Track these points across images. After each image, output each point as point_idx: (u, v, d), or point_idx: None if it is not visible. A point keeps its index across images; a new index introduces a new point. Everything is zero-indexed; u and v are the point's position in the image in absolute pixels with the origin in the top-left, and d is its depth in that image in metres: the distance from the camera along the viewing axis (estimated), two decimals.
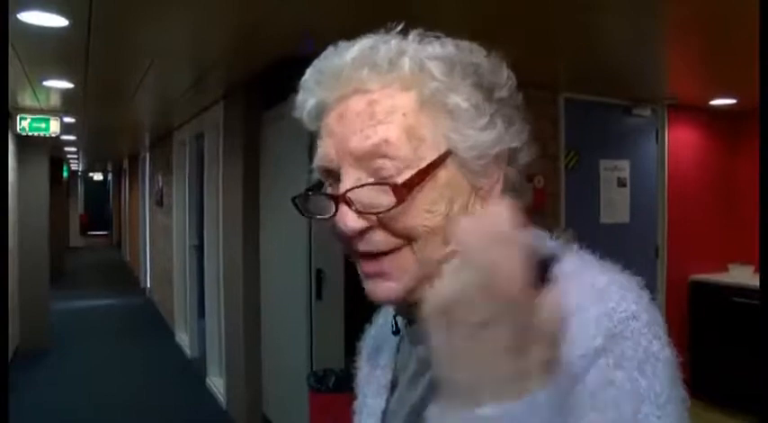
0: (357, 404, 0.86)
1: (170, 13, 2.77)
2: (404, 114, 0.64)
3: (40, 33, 2.96)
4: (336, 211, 0.65)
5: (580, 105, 4.53)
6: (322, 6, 2.66)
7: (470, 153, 0.65)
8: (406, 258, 0.65)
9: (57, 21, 2.79)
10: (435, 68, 0.65)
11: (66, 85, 4.37)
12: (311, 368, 3.21)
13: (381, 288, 0.67)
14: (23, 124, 5.64)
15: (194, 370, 5.97)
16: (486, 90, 0.67)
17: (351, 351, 3.43)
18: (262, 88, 3.89)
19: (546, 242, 0.70)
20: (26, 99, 5.09)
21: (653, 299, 0.65)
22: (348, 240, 0.66)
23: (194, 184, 6.40)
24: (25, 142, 6.31)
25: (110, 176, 20.80)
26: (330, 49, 0.69)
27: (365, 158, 0.64)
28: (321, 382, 3.00)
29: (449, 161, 0.64)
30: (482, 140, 0.65)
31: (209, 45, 3.36)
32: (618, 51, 3.47)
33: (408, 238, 0.64)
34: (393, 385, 0.79)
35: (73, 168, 16.73)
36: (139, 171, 10.84)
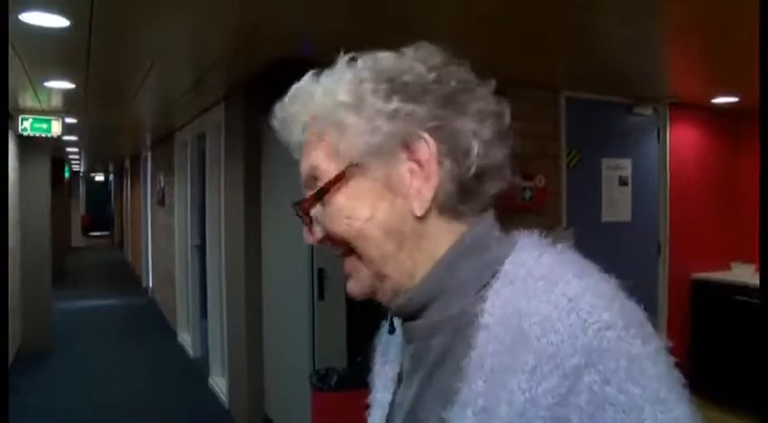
0: (370, 398, 0.89)
1: (170, 14, 2.77)
2: (322, 139, 0.73)
3: (41, 34, 2.96)
4: None
5: (581, 104, 4.53)
6: (320, 8, 2.66)
7: (367, 160, 0.70)
8: (353, 260, 0.74)
9: (58, 21, 2.79)
10: (339, 91, 0.72)
11: (67, 85, 4.37)
12: (313, 367, 3.21)
13: (348, 284, 0.77)
14: (25, 125, 5.64)
15: (196, 370, 5.97)
16: (388, 91, 0.70)
17: (353, 350, 3.44)
18: (262, 89, 3.90)
19: (516, 242, 0.72)
20: (28, 100, 5.09)
21: (633, 294, 0.66)
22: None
23: (196, 184, 6.40)
24: (27, 143, 6.31)
25: (111, 177, 20.82)
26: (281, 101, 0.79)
27: (309, 183, 0.75)
28: (323, 381, 3.00)
29: (358, 172, 0.71)
30: (367, 143, 0.70)
31: (210, 45, 3.36)
32: (619, 50, 3.47)
33: (345, 243, 0.73)
34: (400, 379, 0.82)
35: (74, 169, 16.74)
36: (141, 171, 10.85)
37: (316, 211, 0.74)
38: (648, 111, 4.89)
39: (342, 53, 0.76)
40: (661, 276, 5.01)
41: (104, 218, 21.55)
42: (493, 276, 0.68)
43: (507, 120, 0.74)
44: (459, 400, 0.63)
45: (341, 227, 0.72)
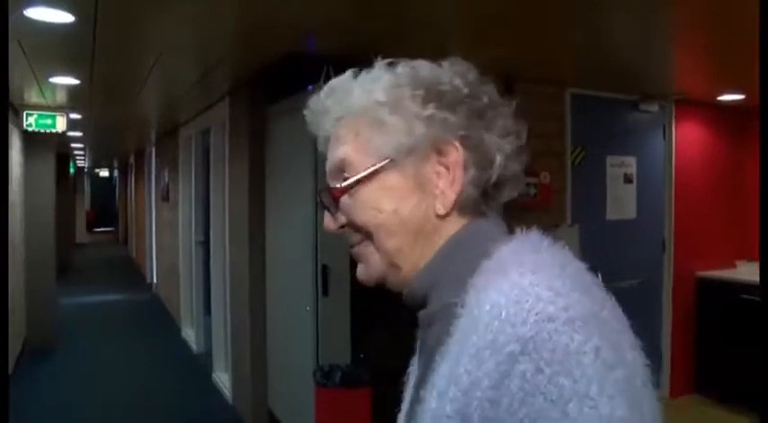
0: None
1: (175, 9, 2.76)
2: (356, 134, 0.79)
3: (46, 30, 2.96)
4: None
5: (587, 101, 4.51)
6: (326, 3, 2.66)
7: (402, 156, 0.77)
8: (369, 249, 0.80)
9: (63, 17, 2.79)
10: (378, 91, 0.78)
11: (72, 81, 4.38)
12: (317, 363, 3.21)
13: (359, 270, 0.84)
14: (30, 121, 5.65)
15: (200, 365, 5.99)
16: (426, 97, 0.77)
17: (357, 347, 3.44)
18: (267, 84, 3.89)
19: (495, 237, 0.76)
20: (33, 96, 5.10)
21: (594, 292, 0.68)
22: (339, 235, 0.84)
23: (200, 180, 6.40)
24: (32, 139, 6.32)
25: (116, 173, 20.85)
26: (314, 94, 0.85)
27: (336, 175, 0.81)
28: (327, 378, 3.00)
29: (390, 167, 0.77)
30: (410, 144, 0.77)
31: (215, 41, 3.36)
32: (625, 46, 3.45)
33: (365, 233, 0.79)
34: None
35: (79, 165, 16.78)
36: (145, 167, 10.87)
37: (343, 199, 0.80)
38: (654, 108, 4.86)
39: (379, 58, 0.83)
40: (666, 274, 4.99)
41: (109, 214, 21.59)
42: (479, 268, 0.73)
43: (524, 138, 0.81)
44: (431, 381, 0.69)
45: (367, 216, 0.78)
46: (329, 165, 0.83)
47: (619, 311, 0.70)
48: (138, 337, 7.27)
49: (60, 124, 5.79)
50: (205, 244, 6.24)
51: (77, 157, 14.35)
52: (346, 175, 0.80)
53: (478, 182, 0.78)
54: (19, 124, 5.74)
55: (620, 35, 3.24)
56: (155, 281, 10.12)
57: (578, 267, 0.72)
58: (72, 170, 14.13)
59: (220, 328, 5.31)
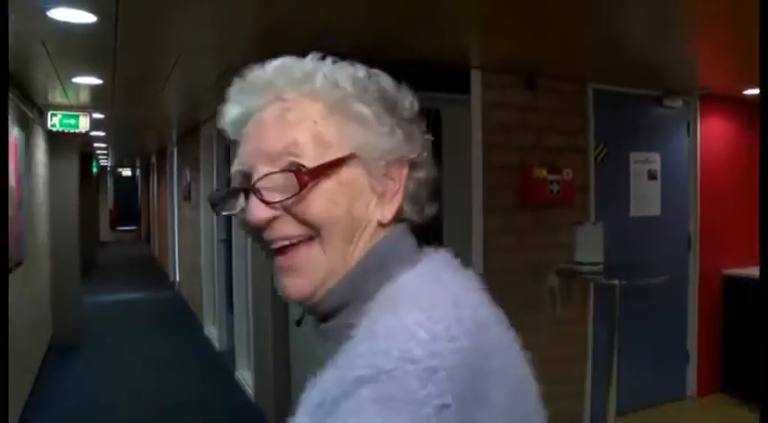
0: None
1: (195, 8, 2.77)
2: (314, 121, 0.73)
3: (68, 30, 2.98)
4: (247, 203, 0.74)
5: (610, 97, 4.46)
6: (341, 4, 2.65)
7: (372, 155, 0.74)
8: (314, 251, 0.73)
9: (85, 17, 2.81)
10: (345, 82, 0.74)
11: (94, 81, 4.42)
12: None
13: (294, 284, 0.75)
14: (54, 121, 5.72)
15: (223, 363, 6.02)
16: (389, 106, 0.76)
17: None
18: None
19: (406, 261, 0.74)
20: (56, 96, 5.15)
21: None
22: (258, 232, 0.74)
23: (222, 179, 6.43)
24: (56, 139, 6.40)
25: (138, 172, 21.07)
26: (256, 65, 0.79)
27: (277, 157, 0.72)
28: None
29: (353, 162, 0.73)
30: (382, 145, 0.74)
31: (233, 41, 3.37)
32: (648, 41, 3.40)
33: (314, 228, 0.72)
34: None
35: (102, 164, 16.97)
36: (167, 166, 10.95)
37: (278, 184, 0.72)
38: (678, 103, 4.79)
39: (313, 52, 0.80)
40: (691, 272, 4.92)
41: (131, 212, 21.82)
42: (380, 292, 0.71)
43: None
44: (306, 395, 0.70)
45: (319, 208, 0.72)
46: (264, 145, 0.73)
47: (513, 353, 0.69)
48: (162, 335, 7.34)
49: (83, 124, 5.85)
50: (227, 242, 6.27)
51: (100, 157, 14.52)
52: (295, 160, 0.71)
53: (417, 196, 0.78)
54: (43, 124, 5.81)
55: (642, 29, 3.20)
56: (177, 279, 10.20)
57: (476, 302, 0.69)
58: (95, 169, 14.29)
59: (243, 326, 5.33)
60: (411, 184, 0.77)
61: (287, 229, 0.73)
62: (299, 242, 0.73)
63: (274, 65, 0.78)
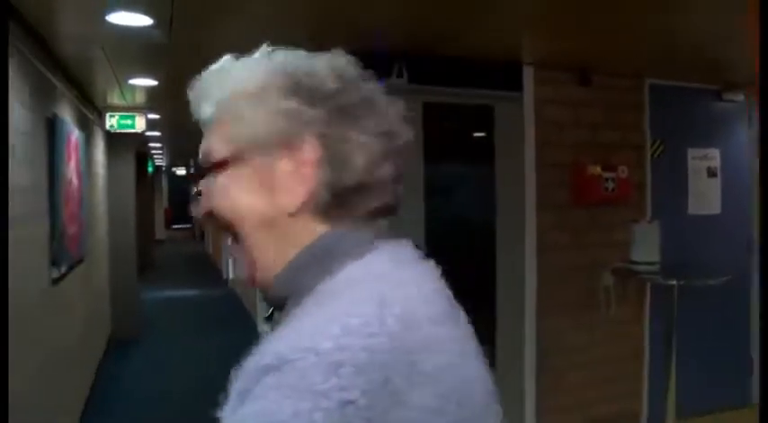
0: None
1: (248, 9, 2.81)
2: (223, 123, 0.77)
3: (125, 34, 3.06)
4: None
5: (666, 91, 4.33)
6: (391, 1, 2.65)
7: (250, 149, 0.74)
8: (239, 246, 0.78)
9: (141, 20, 2.88)
10: (247, 80, 0.78)
11: (150, 82, 4.52)
12: None
13: (241, 273, 0.81)
14: (112, 122, 5.88)
15: None
16: (300, 91, 0.74)
17: None
18: None
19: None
20: (114, 97, 5.30)
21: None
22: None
23: None
24: (113, 139, 6.59)
25: (192, 171, 21.49)
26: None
27: (203, 159, 0.79)
28: None
29: (240, 158, 0.75)
30: (260, 135, 0.74)
31: (287, 39, 3.39)
32: (705, 33, 3.28)
33: (227, 225, 0.77)
34: None
35: (157, 164, 17.39)
36: None
37: (206, 186, 0.79)
38: (739, 97, 4.62)
39: (266, 45, 0.84)
40: (753, 274, 4.74)
41: (186, 211, 22.24)
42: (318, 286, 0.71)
43: (403, 140, 0.76)
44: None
45: (222, 203, 0.76)
46: (200, 151, 0.81)
47: (456, 352, 0.66)
48: (216, 331, 7.47)
49: (140, 124, 6.00)
50: None
51: (155, 156, 14.87)
52: (207, 165, 0.79)
53: (333, 183, 0.72)
54: (102, 125, 5.98)
55: (699, 21, 3.08)
56: (230, 276, 10.38)
57: (416, 299, 0.67)
58: (151, 169, 14.65)
59: None
60: (327, 169, 0.72)
61: (217, 225, 0.80)
62: (234, 237, 0.78)
63: (207, 73, 0.85)
